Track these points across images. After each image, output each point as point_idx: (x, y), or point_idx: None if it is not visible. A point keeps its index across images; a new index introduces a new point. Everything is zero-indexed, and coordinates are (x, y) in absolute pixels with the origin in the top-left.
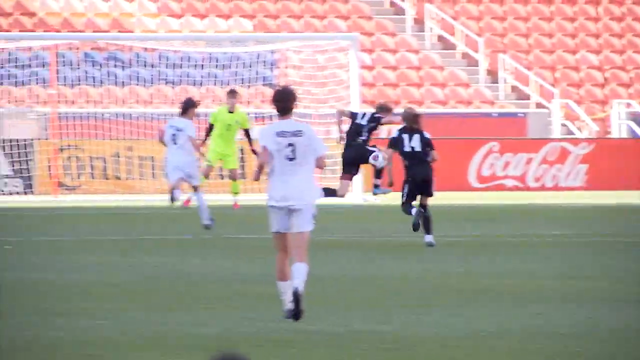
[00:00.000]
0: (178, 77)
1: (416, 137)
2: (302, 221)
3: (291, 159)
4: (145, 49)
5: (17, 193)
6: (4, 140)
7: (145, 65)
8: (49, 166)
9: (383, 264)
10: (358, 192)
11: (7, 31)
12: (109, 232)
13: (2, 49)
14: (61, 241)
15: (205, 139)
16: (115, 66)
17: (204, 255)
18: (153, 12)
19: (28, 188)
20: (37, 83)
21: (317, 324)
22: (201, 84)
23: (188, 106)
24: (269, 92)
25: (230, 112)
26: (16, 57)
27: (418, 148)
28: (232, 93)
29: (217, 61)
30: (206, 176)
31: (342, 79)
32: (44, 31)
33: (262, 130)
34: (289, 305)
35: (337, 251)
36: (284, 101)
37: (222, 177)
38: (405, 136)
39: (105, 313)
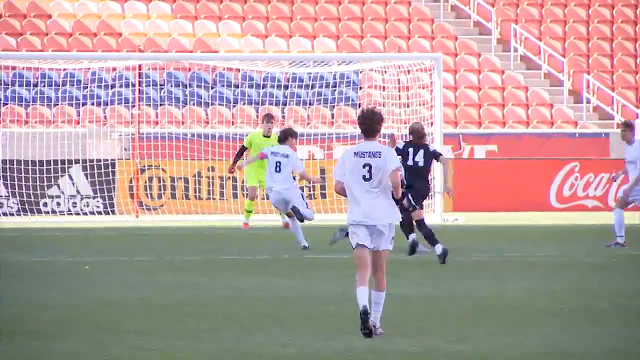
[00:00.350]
0: (261, 97)
1: (421, 152)
2: (382, 241)
3: (367, 179)
4: (229, 69)
5: (98, 213)
6: (86, 160)
7: (228, 86)
8: (130, 186)
9: (462, 283)
10: (438, 212)
11: (92, 51)
12: (189, 252)
13: (86, 69)
14: (142, 261)
15: (236, 161)
16: (198, 86)
17: (283, 275)
18: (237, 33)
19: (109, 208)
20: (120, 103)
21: (395, 343)
22: (285, 104)
23: (287, 135)
24: (352, 113)
25: (266, 136)
26: (100, 77)
27: (421, 163)
28: (268, 117)
29: (300, 81)
30: (252, 199)
31: (425, 99)
32: (128, 51)
33: (341, 155)
34: (362, 323)
35: (415, 271)
36: (369, 123)
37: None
38: (411, 150)
39: (190, 333)
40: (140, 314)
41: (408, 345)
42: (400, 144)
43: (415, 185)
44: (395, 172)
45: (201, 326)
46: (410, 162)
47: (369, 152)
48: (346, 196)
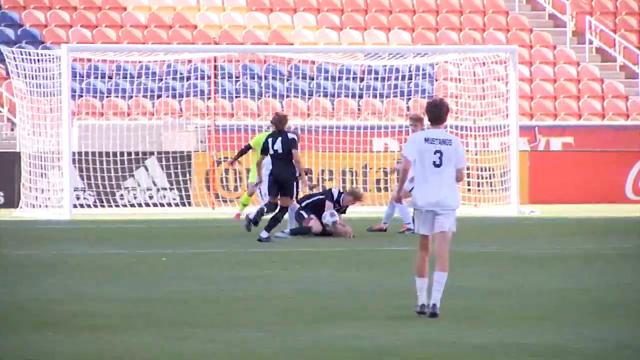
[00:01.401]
0: (336, 89)
1: (279, 139)
2: (446, 223)
3: (437, 165)
4: (304, 62)
5: (175, 205)
6: (161, 152)
7: (304, 78)
8: (207, 178)
9: (535, 275)
10: (514, 204)
11: (167, 43)
12: (265, 245)
13: (162, 61)
14: (216, 253)
15: (237, 158)
16: (273, 79)
17: (352, 268)
18: (313, 25)
19: (185, 200)
20: (195, 95)
21: (467, 336)
22: (360, 96)
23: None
24: None
25: None
26: (176, 70)
27: (280, 150)
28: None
29: (375, 74)
30: (250, 195)
31: (500, 91)
32: (203, 43)
33: (410, 138)
34: (420, 302)
35: (485, 264)
36: (437, 111)
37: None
38: (270, 139)
39: (263, 326)
40: (214, 306)
41: (480, 338)
42: (264, 135)
43: (279, 173)
44: (460, 170)
45: (273, 319)
46: (271, 151)
47: (440, 139)
48: (405, 178)
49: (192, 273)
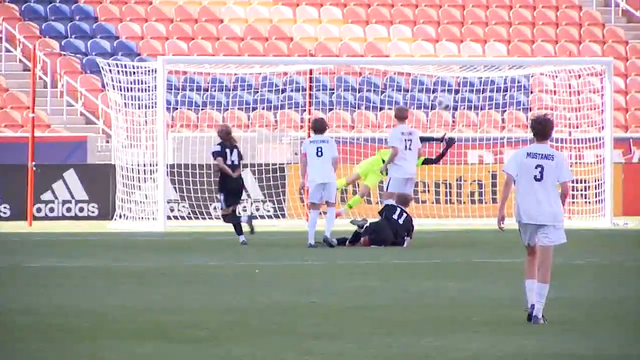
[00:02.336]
0: (431, 101)
1: (235, 152)
2: (549, 236)
3: (538, 180)
4: (399, 74)
5: (269, 217)
6: (254, 165)
7: (399, 90)
8: (301, 190)
9: (630, 286)
10: (608, 216)
11: (263, 56)
12: (360, 255)
13: (257, 73)
14: (312, 265)
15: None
16: (368, 90)
17: (455, 278)
18: (408, 37)
19: (279, 212)
20: (290, 107)
21: (565, 347)
22: (455, 108)
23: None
24: (523, 117)
25: None
26: (271, 82)
27: (236, 162)
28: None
29: (471, 85)
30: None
31: (595, 103)
32: (299, 55)
33: (512, 154)
34: (530, 302)
35: (582, 275)
36: (543, 127)
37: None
38: (228, 150)
39: (351, 336)
40: (312, 317)
41: (577, 347)
42: (216, 147)
43: (232, 185)
44: (565, 184)
45: (373, 330)
46: (229, 162)
47: (542, 154)
48: (508, 192)
49: (288, 284)
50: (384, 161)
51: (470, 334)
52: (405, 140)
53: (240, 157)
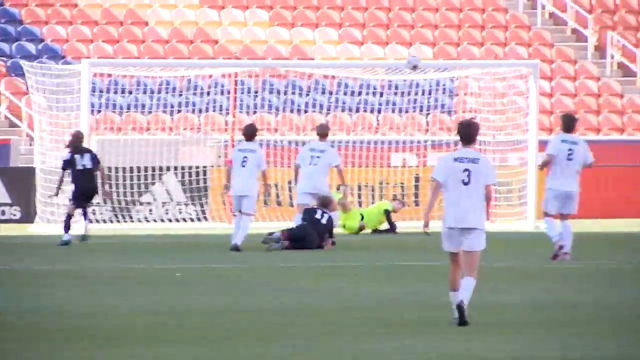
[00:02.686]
0: (356, 104)
1: (87, 156)
2: (474, 241)
3: (466, 184)
4: (325, 76)
5: (191, 220)
6: (177, 167)
7: (323, 93)
8: (222, 193)
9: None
10: (531, 219)
11: (188, 58)
12: (289, 259)
13: (182, 76)
14: (235, 269)
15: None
16: (293, 93)
17: (394, 281)
18: (334, 40)
19: (202, 215)
20: (215, 110)
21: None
22: (379, 111)
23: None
24: (447, 120)
25: None
26: (196, 85)
27: (88, 166)
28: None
29: (396, 88)
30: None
31: (520, 106)
32: (224, 58)
33: (440, 159)
34: (455, 315)
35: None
36: (468, 131)
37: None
38: (77, 156)
39: (299, 339)
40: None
41: (509, 351)
42: (66, 156)
43: (84, 186)
44: (488, 187)
45: (317, 330)
46: (79, 167)
47: (468, 158)
48: (435, 198)
49: (213, 286)
50: (387, 211)
51: (404, 333)
52: (312, 157)
53: (95, 160)
